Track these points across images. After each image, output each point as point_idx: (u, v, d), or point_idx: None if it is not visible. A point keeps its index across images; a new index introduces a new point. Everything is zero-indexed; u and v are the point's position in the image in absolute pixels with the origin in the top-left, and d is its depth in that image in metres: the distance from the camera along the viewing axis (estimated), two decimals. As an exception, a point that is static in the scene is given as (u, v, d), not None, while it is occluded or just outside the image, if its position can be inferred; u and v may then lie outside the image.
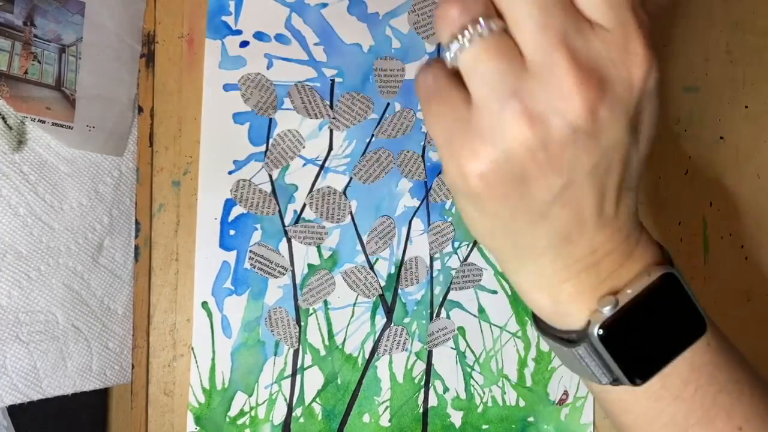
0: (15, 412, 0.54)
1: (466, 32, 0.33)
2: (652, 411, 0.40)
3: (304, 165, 0.59)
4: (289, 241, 0.59)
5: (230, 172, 0.59)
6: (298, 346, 0.59)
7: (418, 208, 0.61)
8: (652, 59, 0.32)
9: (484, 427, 0.60)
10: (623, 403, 0.42)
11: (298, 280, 0.59)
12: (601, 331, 0.36)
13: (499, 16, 0.33)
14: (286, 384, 0.59)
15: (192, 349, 0.58)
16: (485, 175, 0.34)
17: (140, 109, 0.59)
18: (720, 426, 0.39)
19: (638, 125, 0.34)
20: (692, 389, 0.39)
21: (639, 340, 0.37)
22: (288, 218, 0.59)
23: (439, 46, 0.60)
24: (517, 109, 0.32)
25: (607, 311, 0.36)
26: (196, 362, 0.58)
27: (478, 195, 0.35)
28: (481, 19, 0.32)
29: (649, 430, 0.41)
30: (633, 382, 0.38)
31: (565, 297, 0.38)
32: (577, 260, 0.37)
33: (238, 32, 0.59)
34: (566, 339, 0.39)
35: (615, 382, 0.39)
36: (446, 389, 0.60)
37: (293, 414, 0.59)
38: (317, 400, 0.60)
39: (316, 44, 0.59)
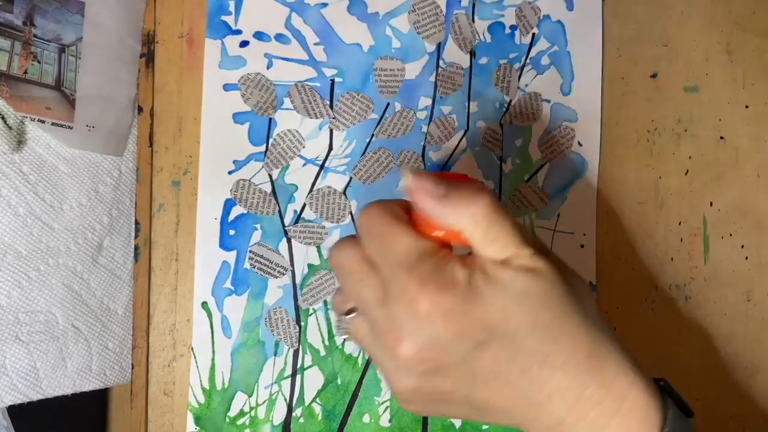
0: (15, 412, 0.54)
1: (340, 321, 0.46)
2: None
3: (304, 165, 0.59)
4: (289, 241, 0.59)
5: (230, 172, 0.59)
6: (298, 346, 0.59)
7: (418, 208, 0.60)
8: (430, 303, 0.38)
9: (485, 427, 0.60)
10: None
11: (298, 280, 0.59)
12: None
13: None
14: (286, 384, 0.59)
15: (192, 349, 0.58)
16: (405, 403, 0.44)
17: (140, 109, 0.59)
18: None
19: (491, 334, 0.39)
20: None
21: None
22: (288, 218, 0.59)
23: (439, 45, 0.60)
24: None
25: None
26: (196, 362, 0.58)
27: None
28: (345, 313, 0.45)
29: None
30: None
31: None
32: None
33: (238, 32, 0.59)
34: None
35: None
36: (446, 389, 0.60)
37: (293, 414, 0.59)
38: (317, 400, 0.59)
39: (316, 44, 0.59)
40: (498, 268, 0.39)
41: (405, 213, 0.42)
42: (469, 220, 0.40)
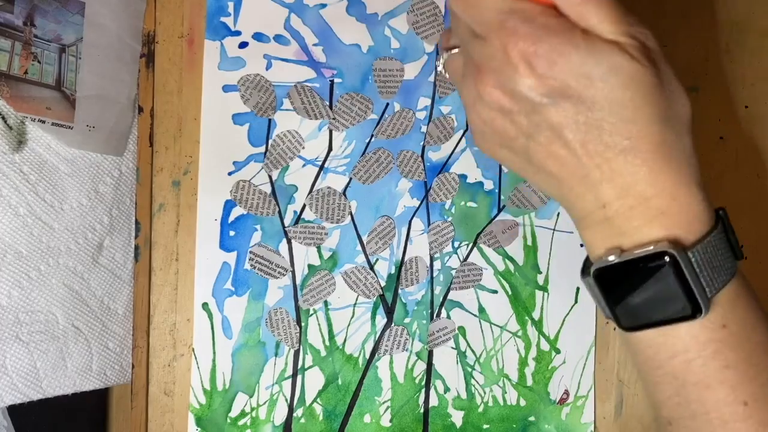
0: (15, 411, 0.54)
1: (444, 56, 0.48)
2: (653, 360, 0.43)
3: (304, 166, 0.60)
4: (289, 241, 0.59)
5: (230, 173, 0.59)
6: (299, 346, 0.59)
7: (418, 208, 0.61)
8: (519, 51, 0.39)
9: (485, 426, 0.60)
10: (632, 345, 0.45)
11: (298, 281, 0.59)
12: (596, 273, 0.42)
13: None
14: (287, 384, 0.59)
15: (193, 350, 0.58)
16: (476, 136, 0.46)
17: (140, 109, 0.59)
18: (721, 396, 0.41)
19: (566, 92, 0.39)
20: (691, 356, 0.42)
21: (629, 295, 0.42)
22: (288, 219, 0.59)
23: (438, 45, 0.60)
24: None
25: (610, 260, 0.41)
26: (197, 363, 0.58)
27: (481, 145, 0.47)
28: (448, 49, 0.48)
29: (652, 375, 0.44)
30: (621, 328, 0.43)
31: (588, 238, 0.43)
32: (590, 213, 0.42)
33: (237, 33, 0.59)
34: (584, 269, 0.45)
35: (612, 320, 0.44)
36: (447, 389, 0.60)
37: (294, 414, 0.59)
38: (318, 400, 0.59)
39: (315, 45, 0.59)
40: (598, 39, 0.39)
41: None
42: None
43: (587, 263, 0.45)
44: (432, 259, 0.61)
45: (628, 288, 0.42)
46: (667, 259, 0.40)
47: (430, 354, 0.60)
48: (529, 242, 0.61)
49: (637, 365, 0.46)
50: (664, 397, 0.44)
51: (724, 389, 0.41)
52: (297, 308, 0.59)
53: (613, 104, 0.39)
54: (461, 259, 0.61)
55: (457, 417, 0.60)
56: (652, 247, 0.40)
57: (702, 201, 0.41)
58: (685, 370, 0.42)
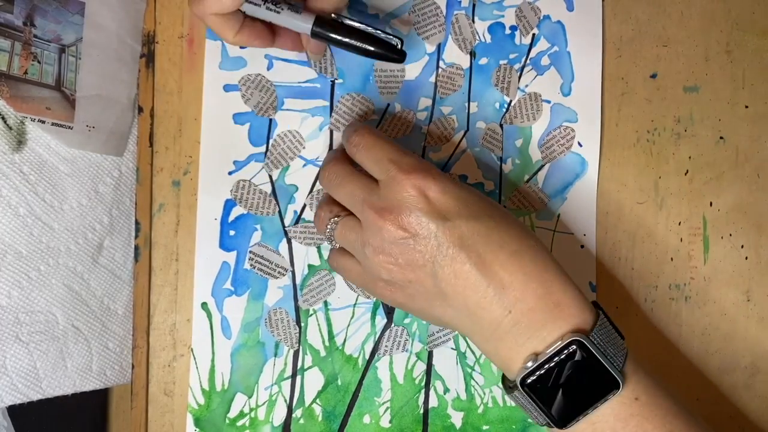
0: (15, 412, 0.54)
1: (329, 225, 0.54)
2: None
3: (305, 166, 0.59)
4: (289, 241, 0.59)
5: (230, 173, 0.59)
6: (298, 347, 0.59)
7: (419, 208, 0.60)
8: (414, 185, 0.48)
9: (485, 427, 0.60)
10: None
11: (298, 281, 0.59)
12: (523, 382, 0.46)
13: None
14: (286, 385, 0.59)
15: (191, 350, 0.58)
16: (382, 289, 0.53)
17: (140, 109, 0.59)
18: None
19: (445, 213, 0.48)
20: None
21: (557, 392, 0.46)
22: (288, 219, 0.59)
23: (439, 46, 0.60)
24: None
25: (529, 366, 0.46)
26: (196, 363, 0.58)
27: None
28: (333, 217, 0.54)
29: None
30: (558, 426, 0.47)
31: (504, 354, 0.48)
32: (498, 324, 0.47)
33: (238, 33, 0.59)
34: (509, 386, 0.49)
35: (548, 424, 0.48)
36: (447, 390, 0.60)
37: (293, 415, 0.59)
38: (317, 401, 0.59)
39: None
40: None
41: None
42: None
43: (506, 381, 0.50)
44: (432, 260, 0.61)
45: (554, 387, 0.46)
46: (574, 347, 0.45)
47: (430, 355, 0.60)
48: (530, 243, 0.61)
49: None
50: None
51: None
52: (297, 308, 0.59)
53: (493, 215, 0.48)
54: (461, 260, 0.61)
55: (456, 418, 0.60)
56: (560, 342, 0.45)
57: (580, 292, 0.48)
58: None
